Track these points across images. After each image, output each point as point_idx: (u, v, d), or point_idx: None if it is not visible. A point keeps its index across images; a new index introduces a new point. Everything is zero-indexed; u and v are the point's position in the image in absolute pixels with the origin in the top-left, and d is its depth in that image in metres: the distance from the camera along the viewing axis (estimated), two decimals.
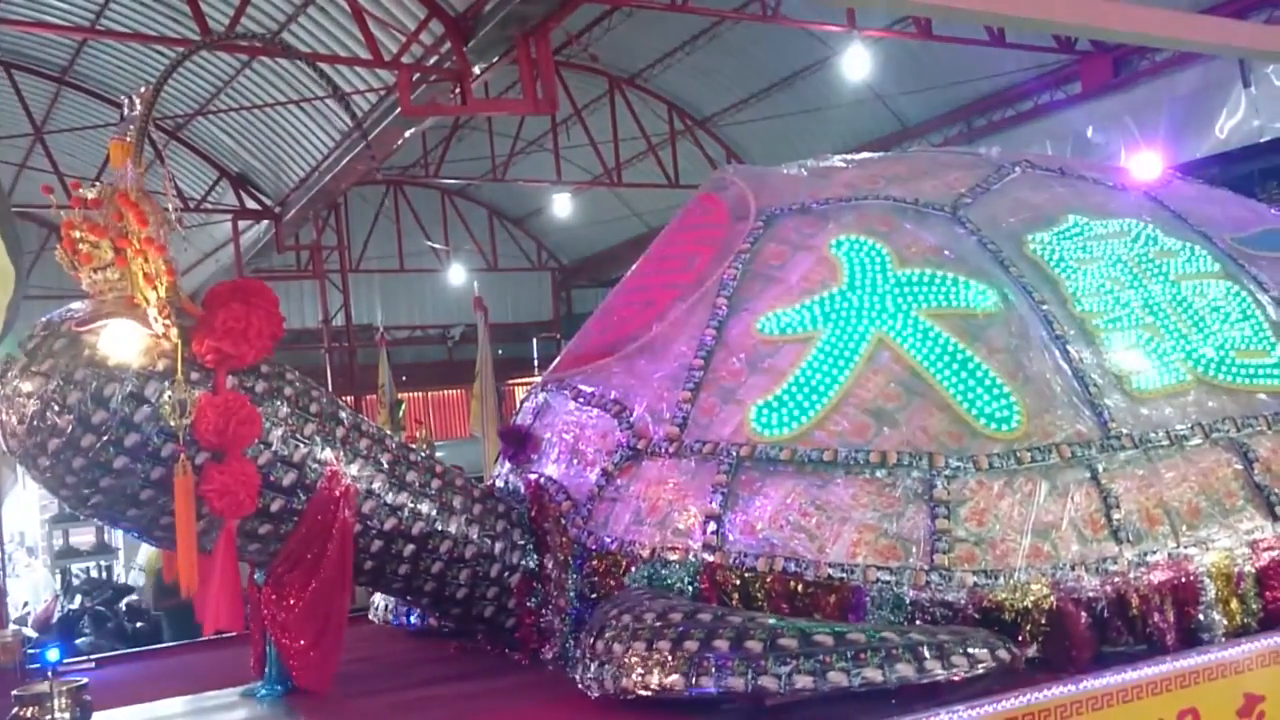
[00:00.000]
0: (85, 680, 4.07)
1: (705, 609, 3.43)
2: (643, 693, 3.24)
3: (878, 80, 15.85)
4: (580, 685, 3.48)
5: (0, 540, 6.82)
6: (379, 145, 15.24)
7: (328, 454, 3.81)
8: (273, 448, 3.69)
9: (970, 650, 3.19)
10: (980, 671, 3.17)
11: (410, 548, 3.99)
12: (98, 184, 3.55)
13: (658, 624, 3.33)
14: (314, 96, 16.75)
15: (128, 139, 3.52)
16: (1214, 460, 3.95)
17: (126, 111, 3.56)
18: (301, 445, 3.76)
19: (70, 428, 3.43)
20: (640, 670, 3.24)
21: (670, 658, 3.21)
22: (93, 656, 5.22)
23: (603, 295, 5.27)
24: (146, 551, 10.46)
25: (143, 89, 3.59)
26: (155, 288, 3.48)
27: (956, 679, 3.15)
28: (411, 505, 3.98)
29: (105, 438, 3.45)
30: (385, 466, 3.96)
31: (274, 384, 3.76)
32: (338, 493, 3.79)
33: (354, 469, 3.86)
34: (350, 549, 3.83)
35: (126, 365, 3.48)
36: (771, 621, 3.30)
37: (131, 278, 3.50)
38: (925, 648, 3.16)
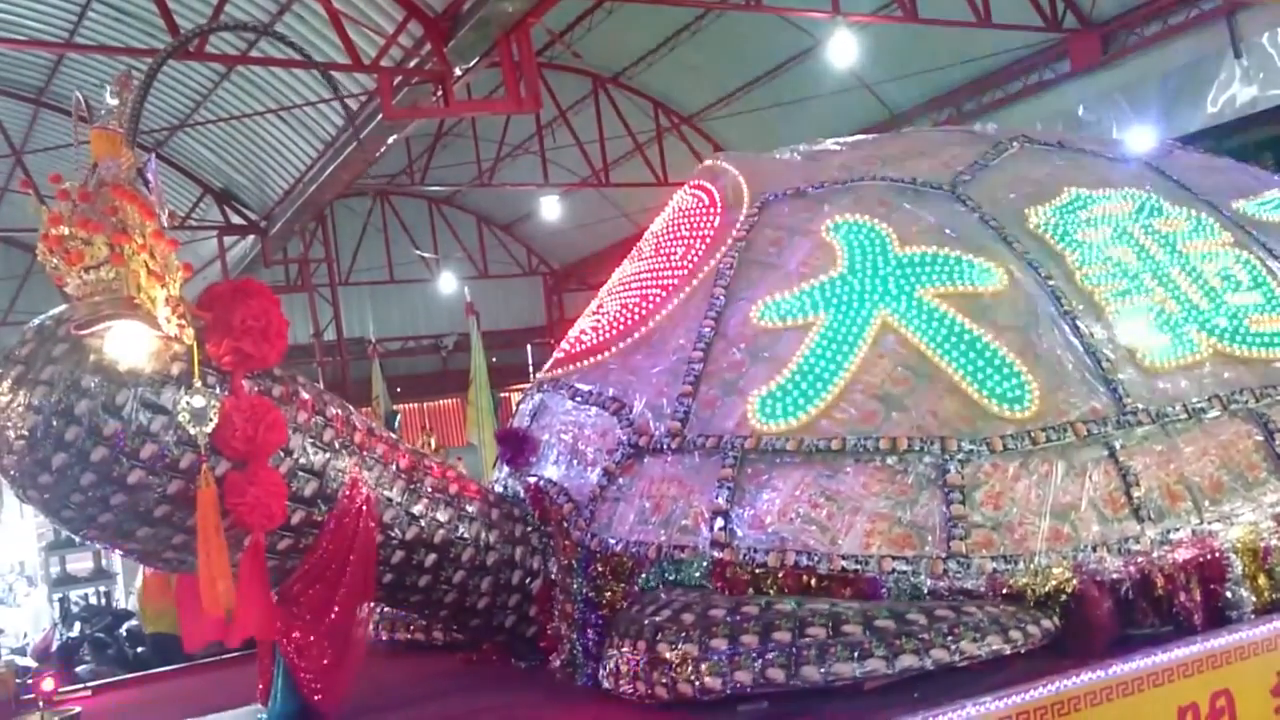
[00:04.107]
0: (78, 710, 3.95)
1: (780, 600, 3.30)
2: (731, 691, 3.10)
3: (864, 68, 15.75)
4: (634, 694, 3.30)
5: None
6: (363, 152, 15.14)
7: (348, 461, 3.56)
8: (294, 455, 3.43)
9: (1041, 621, 3.26)
10: (1045, 642, 3.25)
11: (432, 557, 3.78)
12: (74, 182, 3.24)
13: (732, 620, 3.19)
14: (294, 104, 16.64)
15: (111, 127, 3.25)
16: (1233, 432, 3.84)
17: (108, 99, 3.28)
18: (322, 452, 3.51)
19: (79, 441, 3.12)
20: (728, 668, 3.10)
21: (765, 652, 3.09)
22: (89, 684, 5.10)
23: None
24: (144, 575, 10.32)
25: (118, 74, 3.34)
26: (166, 285, 3.21)
27: (1033, 647, 3.22)
28: (432, 513, 3.77)
29: (119, 450, 3.15)
30: (404, 472, 3.75)
31: (291, 388, 3.50)
32: (359, 501, 3.55)
33: (373, 476, 3.63)
34: (374, 561, 3.60)
35: (139, 370, 3.18)
36: (857, 605, 3.23)
37: (130, 277, 3.18)
38: (1004, 619, 3.21)
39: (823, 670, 3.05)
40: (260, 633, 3.52)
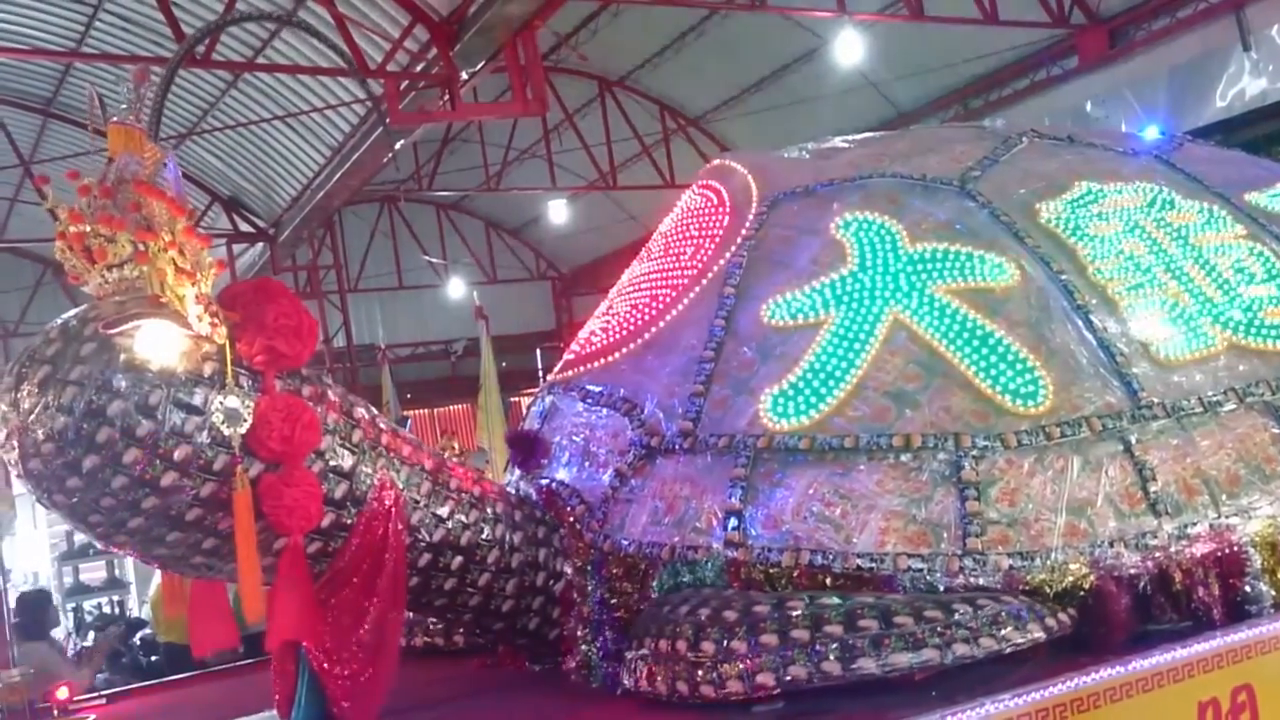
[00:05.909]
0: (92, 718, 3.95)
1: (824, 595, 3.29)
2: (785, 688, 3.08)
3: (870, 67, 15.71)
4: (671, 695, 3.25)
5: (3, 576, 6.65)
6: (370, 157, 15.08)
7: (376, 462, 3.51)
8: (324, 456, 3.36)
9: (1069, 609, 3.31)
10: (1071, 630, 3.30)
11: (458, 560, 3.72)
12: (94, 178, 3.15)
13: (779, 615, 3.17)
14: (301, 111, 16.65)
15: (129, 122, 3.18)
16: (1250, 425, 3.80)
17: (127, 93, 3.21)
18: (351, 453, 3.45)
19: (112, 443, 3.03)
20: (780, 664, 3.08)
21: (819, 645, 3.08)
22: (104, 692, 5.10)
23: None
24: (157, 584, 10.34)
25: (135, 68, 3.29)
26: (197, 283, 3.15)
27: (1065, 633, 3.27)
28: (458, 515, 3.72)
29: (152, 452, 3.06)
30: (430, 474, 3.70)
31: (320, 388, 3.44)
32: (388, 504, 3.48)
33: (401, 477, 3.57)
34: (404, 564, 3.53)
35: (170, 370, 3.10)
36: (903, 597, 3.24)
37: (154, 275, 3.12)
38: (1039, 608, 3.25)
39: (879, 662, 3.05)
40: (303, 636, 3.41)
